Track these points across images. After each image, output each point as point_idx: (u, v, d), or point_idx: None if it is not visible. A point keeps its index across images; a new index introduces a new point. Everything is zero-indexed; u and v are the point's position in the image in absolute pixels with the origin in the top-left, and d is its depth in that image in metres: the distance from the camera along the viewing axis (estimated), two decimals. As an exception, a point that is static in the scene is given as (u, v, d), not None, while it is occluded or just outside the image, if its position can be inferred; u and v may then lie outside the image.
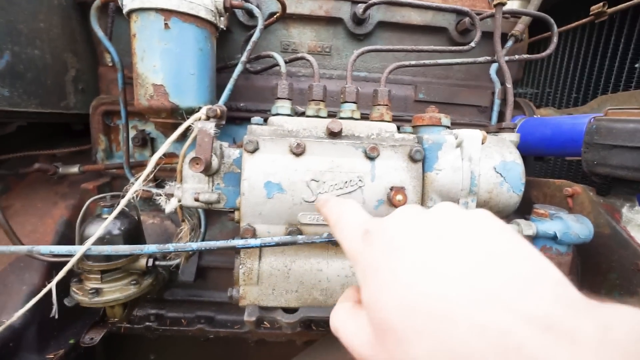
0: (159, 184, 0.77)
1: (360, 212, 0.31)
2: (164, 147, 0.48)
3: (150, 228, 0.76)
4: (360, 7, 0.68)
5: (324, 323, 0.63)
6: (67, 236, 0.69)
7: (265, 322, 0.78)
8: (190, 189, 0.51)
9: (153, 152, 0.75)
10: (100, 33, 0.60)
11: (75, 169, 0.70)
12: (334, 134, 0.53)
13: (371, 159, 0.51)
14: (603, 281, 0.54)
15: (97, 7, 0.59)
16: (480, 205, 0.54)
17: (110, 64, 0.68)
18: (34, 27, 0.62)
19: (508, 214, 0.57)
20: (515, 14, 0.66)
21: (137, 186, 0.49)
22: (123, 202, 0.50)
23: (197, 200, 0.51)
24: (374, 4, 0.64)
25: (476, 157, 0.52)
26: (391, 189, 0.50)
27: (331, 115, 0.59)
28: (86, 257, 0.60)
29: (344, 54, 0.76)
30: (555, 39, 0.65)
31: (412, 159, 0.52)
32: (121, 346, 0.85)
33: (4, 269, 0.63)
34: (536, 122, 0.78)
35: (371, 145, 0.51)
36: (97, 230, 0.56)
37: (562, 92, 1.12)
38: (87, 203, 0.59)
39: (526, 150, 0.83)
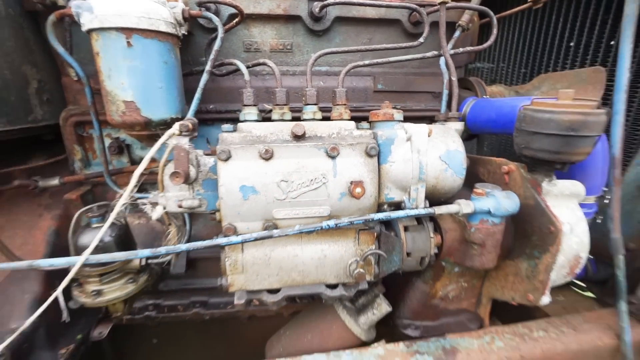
0: (141, 188, 0.82)
1: None
2: (144, 162, 0.53)
3: (138, 228, 0.81)
4: (316, 6, 0.71)
5: (305, 297, 0.72)
6: (57, 245, 0.74)
7: (254, 300, 0.88)
8: (173, 197, 0.57)
9: (130, 157, 0.78)
10: (60, 49, 0.60)
11: (55, 181, 0.72)
12: (298, 137, 0.59)
13: (332, 157, 0.58)
14: (528, 242, 0.67)
15: (52, 22, 0.58)
16: (428, 189, 0.63)
17: (76, 78, 0.68)
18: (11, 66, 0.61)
19: (453, 195, 0.66)
20: (459, 8, 0.71)
21: (124, 199, 0.54)
22: (113, 215, 0.55)
23: (180, 207, 0.57)
24: (329, 4, 0.67)
25: (424, 149, 0.60)
26: (351, 182, 0.58)
27: (296, 110, 0.64)
28: (84, 265, 0.65)
29: (305, 50, 0.79)
30: (495, 30, 0.71)
31: (369, 155, 0.59)
32: (125, 335, 0.93)
33: (3, 281, 0.67)
34: (483, 104, 0.87)
35: (332, 145, 0.57)
36: (90, 239, 0.61)
37: (513, 67, 1.21)
38: (77, 215, 0.63)
39: (476, 130, 0.92)
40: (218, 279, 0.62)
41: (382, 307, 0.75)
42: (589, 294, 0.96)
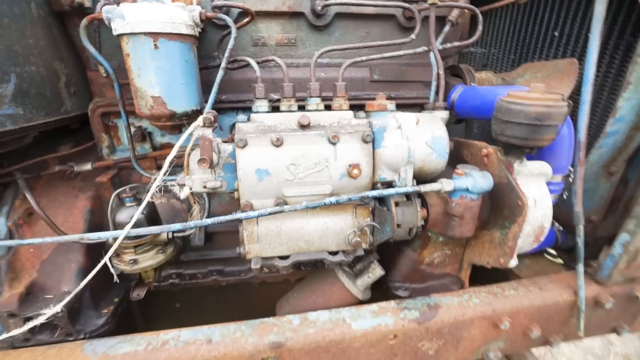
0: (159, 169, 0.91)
1: None
2: (174, 150, 0.62)
3: (160, 207, 0.91)
4: (319, 4, 0.78)
5: (309, 264, 0.84)
6: (92, 222, 0.84)
7: (265, 269, 1.00)
8: (198, 179, 0.67)
9: (152, 144, 0.87)
10: (91, 49, 0.68)
11: (88, 166, 0.82)
12: (304, 126, 0.68)
13: (333, 144, 0.67)
14: (500, 214, 0.78)
15: (85, 25, 0.66)
16: (416, 170, 0.73)
17: (105, 75, 0.76)
18: (26, 44, 0.68)
19: (438, 174, 0.77)
20: (447, 7, 0.78)
21: (158, 181, 0.64)
22: (148, 196, 0.64)
23: (205, 187, 0.66)
24: (331, 4, 0.74)
25: (412, 135, 0.70)
26: (350, 165, 0.68)
27: (300, 99, 0.72)
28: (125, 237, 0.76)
29: (308, 44, 0.86)
30: (480, 27, 0.79)
31: (364, 141, 0.68)
32: (151, 300, 1.05)
33: (51, 253, 0.78)
34: (470, 92, 0.95)
35: (333, 133, 0.67)
36: (125, 216, 0.72)
37: (504, 53, 1.27)
38: (113, 195, 0.73)
39: (463, 115, 1.01)
40: (237, 248, 0.74)
41: (376, 271, 0.87)
42: (559, 260, 1.09)
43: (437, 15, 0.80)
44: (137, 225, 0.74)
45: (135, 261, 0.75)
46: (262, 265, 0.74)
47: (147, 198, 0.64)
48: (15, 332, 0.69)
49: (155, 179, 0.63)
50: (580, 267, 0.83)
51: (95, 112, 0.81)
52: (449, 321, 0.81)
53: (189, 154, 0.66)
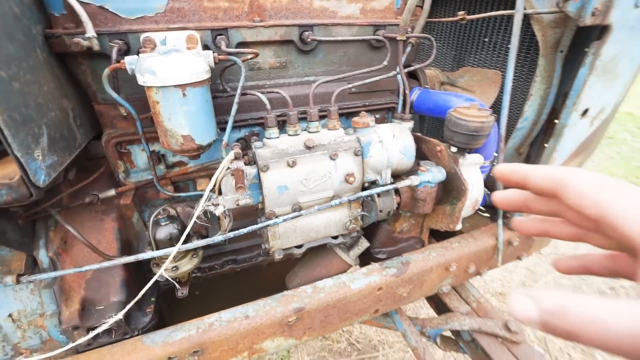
0: (176, 188, 1.02)
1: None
2: (212, 182, 0.76)
3: (181, 214, 1.04)
4: (307, 36, 0.91)
5: (316, 247, 1.07)
6: (122, 240, 0.95)
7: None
8: (230, 199, 0.82)
9: (165, 164, 0.97)
10: (114, 95, 0.74)
11: (112, 192, 0.90)
12: (309, 148, 0.86)
13: (334, 160, 0.87)
14: (450, 194, 1.07)
15: (107, 75, 0.71)
16: (392, 170, 0.97)
17: (125, 114, 0.81)
18: (43, 93, 0.72)
19: (407, 171, 1.02)
20: (410, 37, 0.97)
21: (201, 207, 0.78)
22: (192, 221, 0.78)
23: (237, 204, 0.82)
24: (318, 40, 0.88)
25: (389, 146, 0.92)
26: (346, 174, 0.89)
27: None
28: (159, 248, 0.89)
29: (297, 65, 0.99)
30: (434, 51, 1.00)
31: (356, 155, 0.89)
32: (174, 292, 1.21)
33: (93, 272, 0.89)
34: (425, 96, 1.19)
35: (333, 152, 0.86)
36: (163, 234, 0.86)
37: (446, 49, 1.52)
38: (152, 217, 0.85)
39: (420, 113, 1.26)
40: (262, 245, 0.93)
41: (363, 244, 1.15)
42: (487, 214, 1.49)
43: (398, 39, 0.99)
44: (173, 239, 0.89)
45: (176, 268, 0.90)
46: (284, 254, 0.95)
47: (191, 223, 0.78)
48: (82, 339, 0.83)
49: (198, 206, 0.77)
50: (500, 221, 1.19)
51: (109, 142, 0.88)
52: (417, 271, 1.13)
53: (220, 180, 0.80)
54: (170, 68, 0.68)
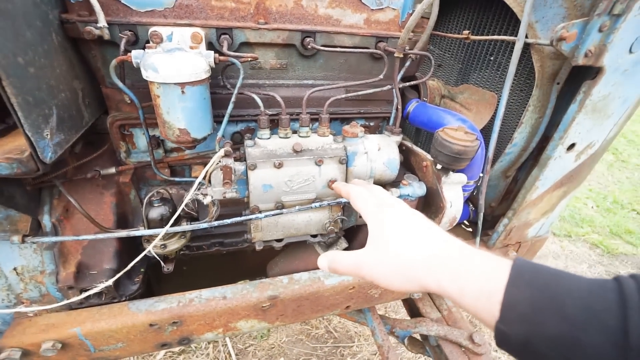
0: (173, 171, 1.09)
1: (369, 194, 0.65)
2: (202, 174, 0.82)
3: (175, 197, 1.11)
4: (306, 40, 0.94)
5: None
6: (119, 214, 1.03)
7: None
8: (218, 190, 0.88)
9: (164, 149, 1.03)
10: (120, 84, 0.79)
11: (112, 170, 0.97)
12: (297, 151, 0.91)
13: (318, 165, 0.92)
14: (429, 208, 1.12)
15: (114, 65, 0.77)
16: (375, 180, 1.02)
17: (129, 102, 0.87)
18: (56, 75, 0.78)
19: (390, 183, 1.07)
20: (409, 53, 0.99)
21: (190, 195, 0.84)
22: (182, 205, 0.85)
23: (224, 196, 0.89)
24: (318, 49, 0.91)
25: (374, 158, 0.96)
26: (329, 180, 0.94)
27: (290, 114, 0.93)
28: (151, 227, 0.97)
29: (297, 68, 1.03)
30: (432, 69, 1.02)
31: (341, 163, 0.94)
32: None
33: (90, 240, 0.98)
34: (421, 109, 1.22)
35: (318, 158, 0.91)
36: (155, 214, 0.93)
37: (453, 60, 1.52)
38: (147, 198, 0.92)
39: (415, 125, 1.29)
40: (245, 235, 1.00)
41: (342, 244, 1.21)
42: (470, 229, 1.54)
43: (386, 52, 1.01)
44: (164, 220, 0.96)
45: (165, 246, 0.99)
46: (264, 246, 1.02)
47: (182, 207, 0.86)
48: (75, 298, 0.93)
49: (188, 194, 0.84)
50: (478, 239, 1.24)
51: (113, 124, 0.94)
52: (390, 276, 1.19)
53: (211, 173, 0.86)
54: (172, 66, 0.73)
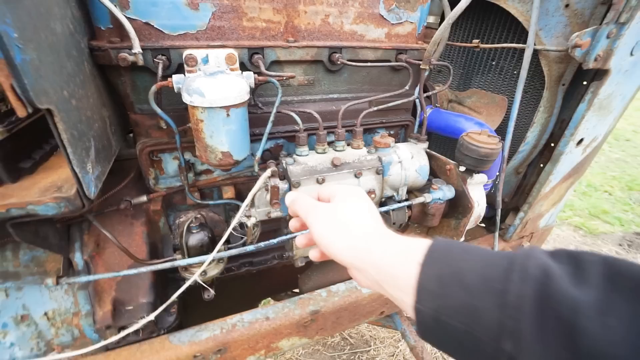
0: (202, 194, 1.06)
1: (306, 202, 0.57)
2: (250, 196, 0.81)
3: (206, 220, 1.08)
4: (335, 56, 0.96)
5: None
6: (151, 244, 0.99)
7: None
8: (262, 211, 0.87)
9: (194, 172, 1.01)
10: (159, 111, 0.77)
11: (143, 198, 0.93)
12: (336, 166, 0.92)
13: (358, 178, 0.94)
14: (456, 210, 1.16)
15: (154, 92, 0.74)
16: (408, 187, 1.05)
17: (164, 127, 0.84)
18: (90, 105, 0.74)
19: (420, 188, 1.10)
20: (434, 64, 1.04)
21: (238, 217, 0.83)
22: (228, 231, 0.83)
23: (269, 216, 0.88)
24: (345, 63, 0.94)
25: (407, 166, 0.99)
26: (368, 191, 0.96)
27: (314, 128, 0.94)
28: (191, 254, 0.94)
29: (323, 83, 1.04)
30: (450, 78, 1.07)
31: (377, 173, 0.96)
32: (188, 291, 1.26)
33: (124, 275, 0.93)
34: (437, 115, 1.27)
35: (358, 170, 0.92)
36: (195, 240, 0.90)
37: (456, 68, 1.59)
38: (186, 225, 0.89)
39: (431, 131, 1.34)
40: (286, 253, 0.99)
41: (373, 252, 1.23)
42: (483, 225, 1.61)
43: (410, 64, 1.05)
44: (204, 246, 0.94)
45: (205, 273, 0.96)
46: (305, 261, 1.02)
47: (227, 233, 0.83)
48: (114, 338, 0.87)
49: (234, 218, 0.82)
50: (496, 234, 1.30)
51: (143, 151, 0.91)
52: (421, 278, 1.22)
53: (254, 193, 0.85)
54: (218, 90, 0.72)
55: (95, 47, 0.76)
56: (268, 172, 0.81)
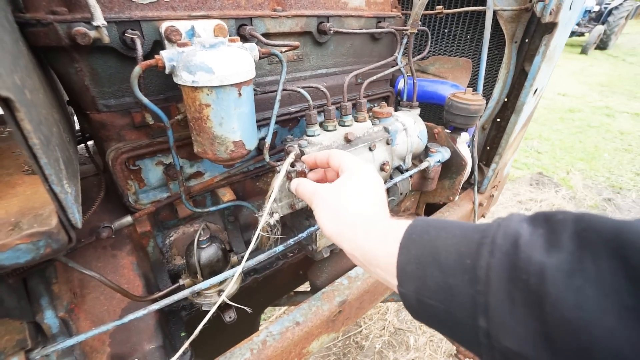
0: (194, 201, 0.89)
1: (308, 187, 0.56)
2: (276, 190, 0.69)
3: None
4: (326, 25, 0.88)
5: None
6: (144, 274, 0.79)
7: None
8: (286, 203, 0.76)
9: (182, 179, 0.83)
10: (145, 100, 0.59)
11: (128, 219, 0.72)
12: (349, 140, 0.85)
13: (371, 150, 0.89)
14: (448, 170, 1.22)
15: (138, 74, 0.56)
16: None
17: (151, 122, 0.64)
18: (40, 101, 0.53)
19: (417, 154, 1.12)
20: (407, 30, 1.04)
21: (264, 220, 0.70)
22: (257, 232, 0.70)
23: (294, 209, 0.77)
24: (337, 31, 0.87)
25: (411, 133, 0.99)
26: (382, 163, 0.92)
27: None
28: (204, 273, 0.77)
29: (311, 57, 0.96)
30: (429, 43, 1.10)
31: (388, 144, 0.93)
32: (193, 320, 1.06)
33: (120, 315, 0.72)
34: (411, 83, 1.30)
35: (372, 143, 0.88)
36: (207, 256, 0.75)
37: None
38: (196, 242, 0.73)
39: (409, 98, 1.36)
40: (310, 245, 0.90)
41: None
42: (453, 184, 1.73)
43: (397, 30, 1.05)
44: (220, 260, 0.79)
45: (222, 291, 0.80)
46: (329, 251, 0.94)
47: (257, 234, 0.71)
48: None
49: (262, 218, 0.70)
50: (475, 187, 1.42)
51: (117, 160, 0.70)
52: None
53: (273, 186, 0.74)
54: (228, 64, 0.59)
55: (29, 21, 0.54)
56: (292, 157, 0.71)
